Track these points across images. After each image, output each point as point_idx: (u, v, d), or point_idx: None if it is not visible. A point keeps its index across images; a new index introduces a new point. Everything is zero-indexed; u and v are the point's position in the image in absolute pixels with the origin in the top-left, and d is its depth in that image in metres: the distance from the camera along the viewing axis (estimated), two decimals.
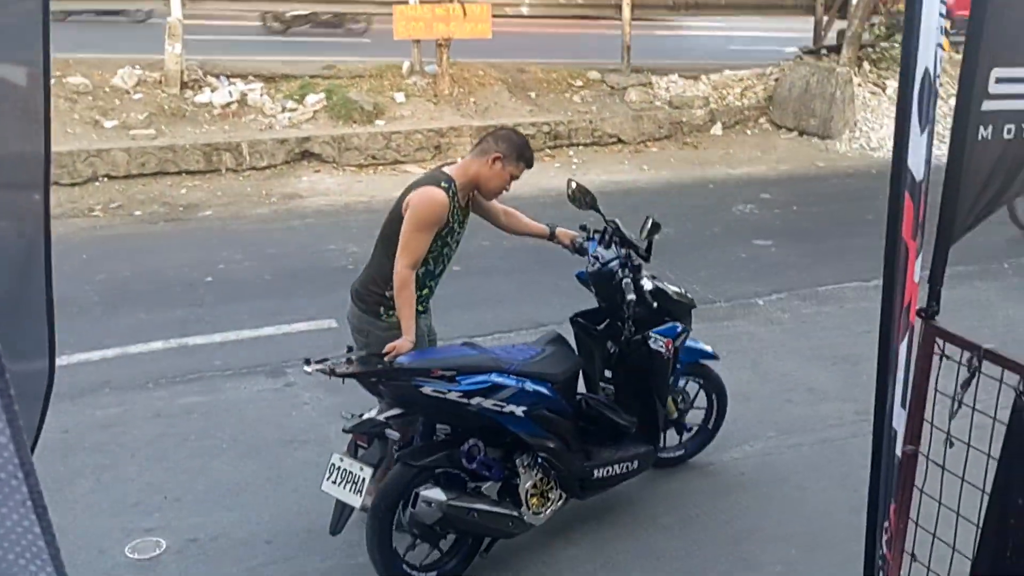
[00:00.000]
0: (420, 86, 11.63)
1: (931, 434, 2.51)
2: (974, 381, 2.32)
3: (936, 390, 2.49)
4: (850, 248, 7.51)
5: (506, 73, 12.35)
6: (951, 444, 2.39)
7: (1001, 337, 5.77)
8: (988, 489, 2.34)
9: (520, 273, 6.76)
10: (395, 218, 3.54)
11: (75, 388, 5.01)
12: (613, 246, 3.95)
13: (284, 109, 10.85)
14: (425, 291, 3.64)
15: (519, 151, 3.61)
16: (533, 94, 12.09)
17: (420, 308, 3.63)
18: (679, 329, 3.94)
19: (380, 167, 10.44)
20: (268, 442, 4.59)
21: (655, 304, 3.83)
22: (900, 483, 2.53)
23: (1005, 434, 2.25)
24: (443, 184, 3.49)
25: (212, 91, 10.89)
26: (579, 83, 12.55)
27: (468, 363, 3.43)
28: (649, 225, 3.96)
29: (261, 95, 10.99)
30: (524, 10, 14.23)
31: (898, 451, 2.34)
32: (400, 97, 11.36)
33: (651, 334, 3.84)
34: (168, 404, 4.96)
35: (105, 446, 4.53)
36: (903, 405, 2.31)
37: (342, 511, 3.36)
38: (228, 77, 11.30)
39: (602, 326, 3.92)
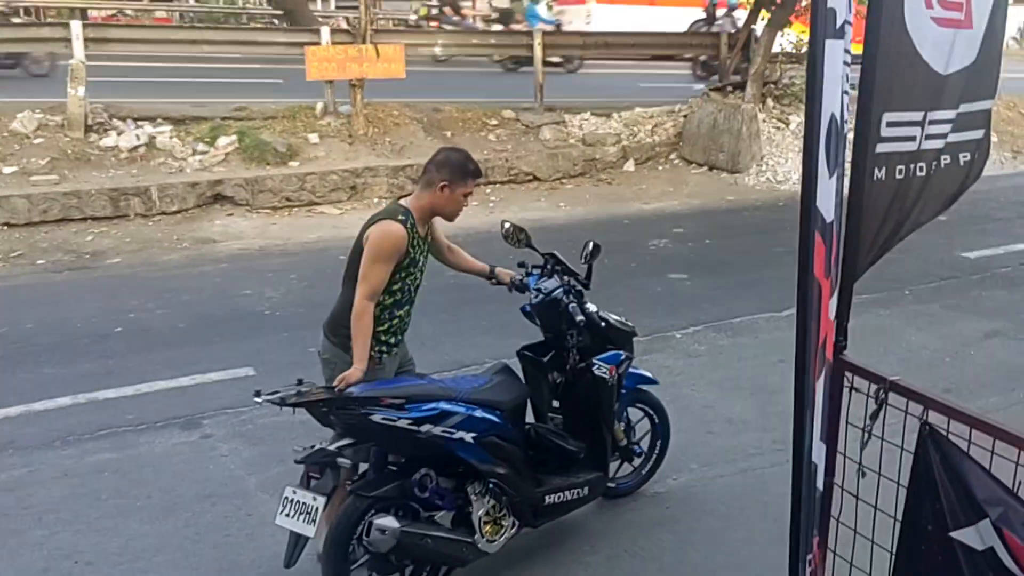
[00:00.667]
0: (335, 127, 11.60)
1: (844, 465, 2.58)
2: (882, 412, 2.40)
3: (848, 422, 2.56)
4: (762, 279, 7.71)
5: (421, 113, 12.41)
6: (863, 474, 2.47)
7: (905, 363, 5.99)
8: (900, 517, 2.41)
9: (442, 313, 6.75)
10: (356, 255, 3.55)
11: None
12: (555, 276, 4.04)
13: (195, 152, 10.69)
14: (395, 321, 3.65)
15: (462, 170, 3.63)
16: (449, 133, 12.16)
17: (393, 340, 3.67)
18: (622, 356, 4.05)
19: (295, 209, 10.34)
20: (185, 498, 4.46)
21: (603, 324, 3.96)
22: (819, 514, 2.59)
23: (912, 463, 2.33)
24: (400, 217, 3.52)
25: (118, 134, 10.67)
26: (494, 122, 12.68)
27: (417, 392, 3.46)
28: (591, 248, 4.07)
29: (170, 138, 10.81)
30: (437, 51, 14.37)
31: (819, 484, 2.40)
32: (314, 138, 11.31)
33: (595, 361, 3.93)
34: (78, 462, 4.78)
35: (10, 510, 4.33)
36: (822, 439, 2.38)
37: (296, 543, 3.39)
38: (135, 120, 11.08)
39: (548, 357, 3.98)
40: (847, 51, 2.21)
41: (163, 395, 5.58)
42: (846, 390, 2.53)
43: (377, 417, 3.32)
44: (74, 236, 9.09)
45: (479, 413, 3.54)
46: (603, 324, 3.99)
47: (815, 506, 2.40)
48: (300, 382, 3.41)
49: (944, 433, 2.29)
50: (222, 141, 10.83)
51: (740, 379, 5.84)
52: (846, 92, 2.25)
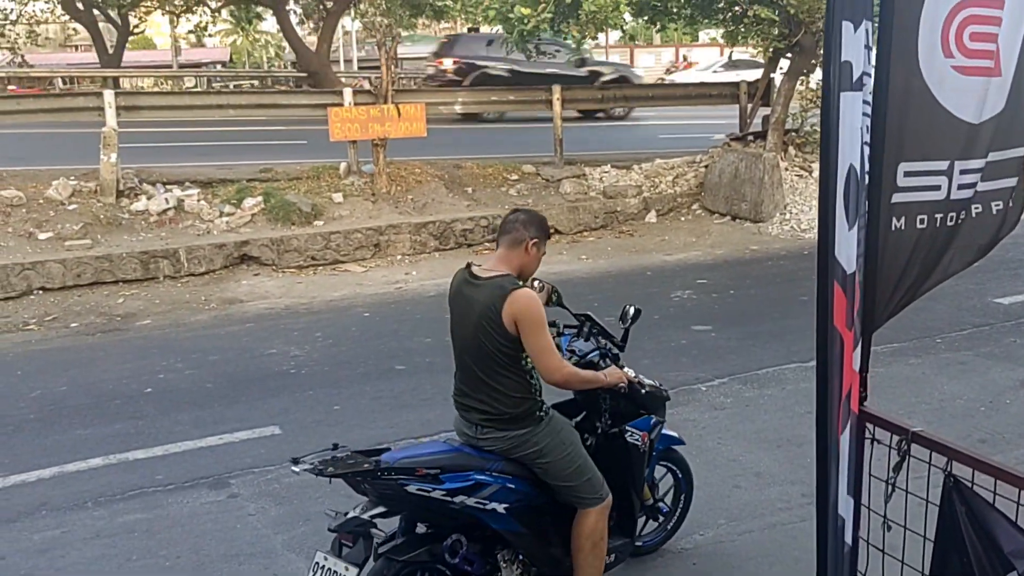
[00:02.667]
0: (358, 186, 11.77)
1: (869, 519, 2.57)
2: (905, 464, 2.39)
3: (871, 474, 2.55)
4: (787, 329, 7.68)
5: (442, 170, 12.57)
6: (889, 528, 2.45)
7: (938, 413, 5.92)
8: (927, 571, 2.39)
9: None
10: (471, 327, 3.46)
11: (10, 511, 4.85)
12: (591, 338, 4.02)
13: (222, 214, 10.88)
14: (538, 381, 3.55)
15: (545, 228, 3.61)
16: (470, 189, 12.29)
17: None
18: (653, 421, 4.00)
19: (320, 267, 10.47)
20: (213, 558, 4.48)
21: (644, 391, 3.89)
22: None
23: (938, 516, 2.32)
24: (520, 284, 3.45)
25: (148, 199, 10.89)
26: (514, 177, 12.81)
27: (451, 462, 3.46)
28: (632, 312, 4.05)
29: (198, 200, 11.01)
30: (457, 108, 14.60)
31: (848, 539, 2.39)
32: (338, 197, 11.48)
33: (627, 428, 3.88)
34: (109, 523, 4.82)
35: (42, 571, 4.36)
36: (849, 492, 2.36)
37: None
38: (164, 184, 11.32)
39: (577, 419, 3.95)
40: (866, 102, 2.23)
41: (191, 455, 5.62)
42: (867, 441, 2.52)
43: (412, 488, 3.32)
44: (106, 299, 9.24)
45: (511, 484, 3.52)
46: (643, 391, 3.90)
47: (844, 562, 2.38)
48: (336, 447, 3.38)
49: (969, 484, 2.28)
50: (248, 202, 11.02)
51: (767, 431, 5.80)
52: (866, 143, 2.26)
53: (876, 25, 2.31)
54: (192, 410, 6.32)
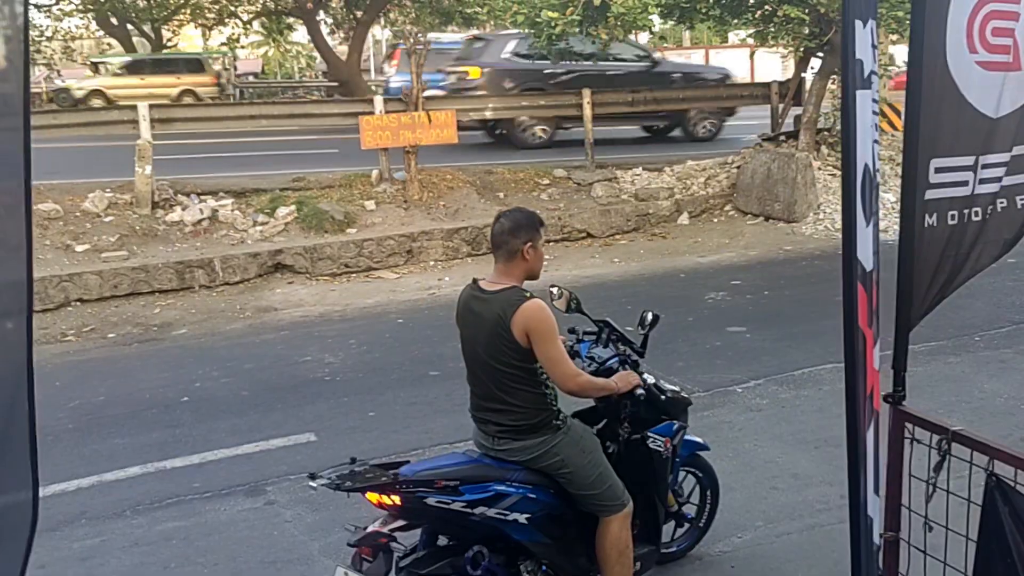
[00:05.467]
0: (390, 193, 11.82)
1: (910, 519, 2.52)
2: (945, 463, 2.35)
3: (911, 474, 2.51)
4: (823, 330, 7.58)
5: (474, 176, 12.59)
6: (930, 528, 2.41)
7: (978, 412, 5.82)
8: (970, 572, 2.34)
9: None
10: (484, 338, 3.44)
11: (51, 520, 4.91)
12: (611, 344, 3.99)
13: (255, 223, 10.97)
14: (553, 390, 3.53)
15: (533, 224, 3.51)
16: (502, 194, 12.30)
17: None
18: (675, 427, 3.94)
19: (353, 275, 10.52)
20: (251, 564, 4.51)
21: (663, 396, 3.85)
22: (885, 570, 2.53)
23: (980, 516, 2.27)
24: (527, 294, 3.41)
25: (183, 209, 11.02)
26: (546, 181, 12.80)
27: (471, 473, 3.43)
28: (649, 318, 4.01)
29: (232, 210, 11.12)
30: (488, 114, 14.61)
31: (876, 538, 2.35)
32: (370, 205, 11.54)
33: (649, 434, 3.83)
34: (147, 531, 4.87)
35: None
36: (876, 492, 2.33)
37: None
38: (199, 195, 11.44)
39: (599, 426, 3.89)
40: (875, 100, 2.22)
41: (228, 463, 5.67)
42: (907, 441, 2.48)
43: (432, 500, 3.30)
44: (142, 309, 9.35)
45: (532, 494, 3.48)
46: (663, 397, 3.85)
47: (874, 560, 2.34)
48: (353, 460, 3.37)
49: (1012, 484, 2.23)
50: (281, 211, 11.11)
51: (804, 432, 5.74)
52: (876, 141, 2.25)
53: (886, 22, 2.30)
54: (228, 418, 6.37)
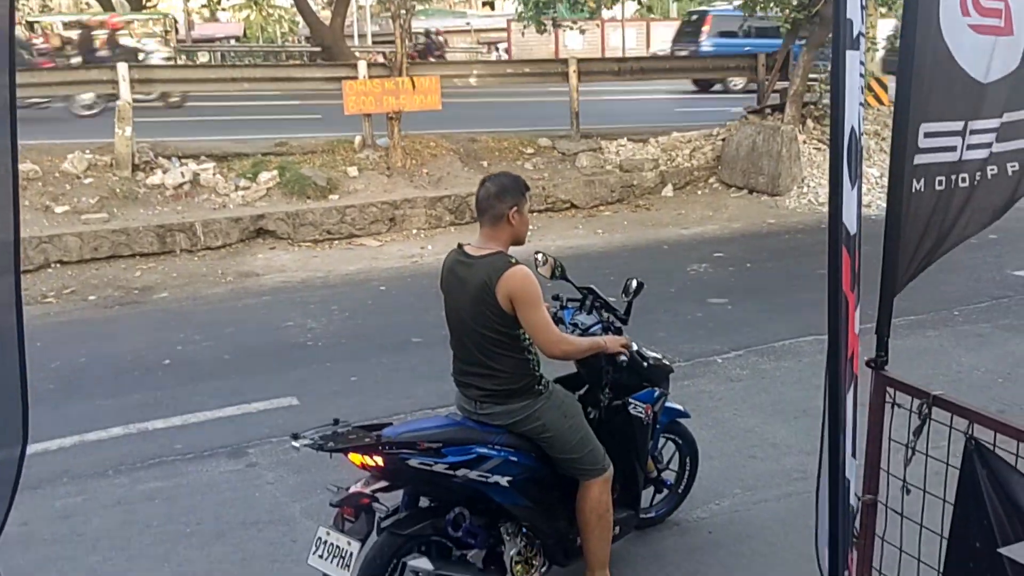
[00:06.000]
0: (373, 159, 11.75)
1: (888, 482, 2.56)
2: (925, 428, 2.38)
3: (891, 439, 2.54)
4: (804, 302, 7.64)
5: (458, 143, 12.54)
6: (908, 491, 2.45)
7: (955, 384, 5.89)
8: (947, 534, 2.39)
9: None
10: (470, 305, 3.44)
11: (34, 478, 4.89)
12: (594, 311, 4.01)
13: (237, 188, 10.89)
14: (536, 356, 3.54)
15: (518, 188, 3.50)
16: (485, 163, 12.26)
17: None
18: (656, 394, 3.98)
19: (336, 241, 10.48)
20: (233, 525, 4.52)
21: (645, 363, 3.88)
22: (861, 532, 2.57)
23: (958, 479, 2.31)
24: (512, 260, 3.42)
25: (164, 172, 10.91)
26: (530, 150, 12.77)
27: (454, 436, 3.44)
28: (634, 286, 4.02)
29: (214, 174, 11.03)
30: (472, 80, 14.53)
31: (853, 500, 2.39)
32: (353, 171, 11.47)
33: (630, 400, 3.86)
34: (129, 491, 4.87)
35: (66, 537, 4.42)
36: (854, 455, 2.36)
37: None
38: (180, 158, 11.34)
39: (580, 392, 3.93)
40: (862, 63, 2.22)
41: (210, 425, 5.67)
42: (888, 406, 2.51)
43: (414, 462, 3.31)
44: (123, 272, 9.29)
45: (514, 457, 3.50)
46: (645, 364, 3.90)
47: (850, 522, 2.38)
48: (336, 422, 3.38)
49: (991, 447, 2.27)
50: (263, 176, 11.03)
51: (783, 403, 5.79)
52: (862, 104, 2.25)
53: None
54: (210, 381, 6.36)
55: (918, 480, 2.45)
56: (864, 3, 2.21)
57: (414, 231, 10.81)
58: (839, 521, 2.36)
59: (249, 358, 6.80)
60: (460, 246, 3.57)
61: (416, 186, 11.43)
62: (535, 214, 11.41)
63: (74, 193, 10.31)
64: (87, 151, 11.04)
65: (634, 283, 4.03)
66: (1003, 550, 2.21)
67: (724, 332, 7.13)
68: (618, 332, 3.93)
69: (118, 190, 10.49)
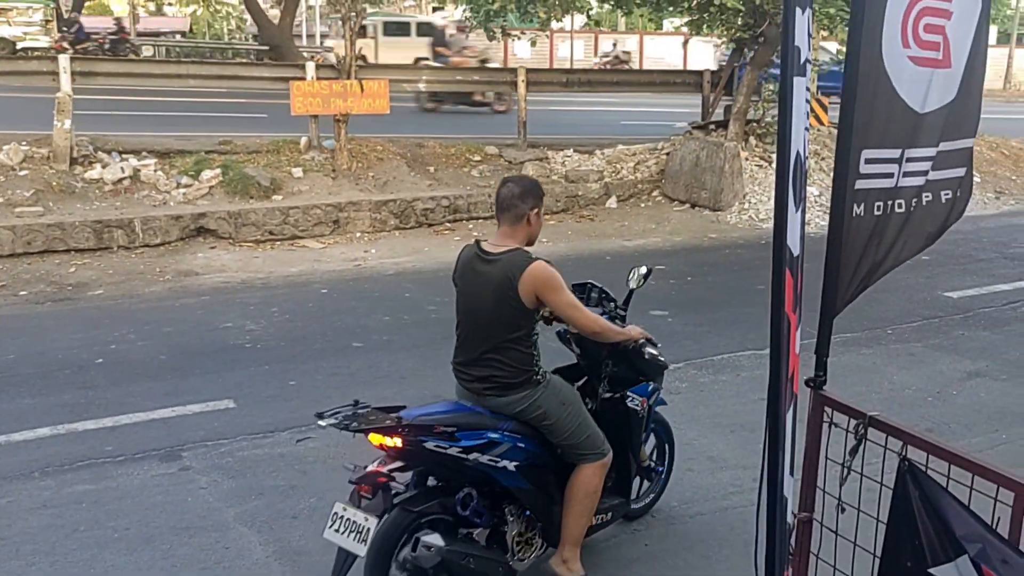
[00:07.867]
0: (318, 161, 11.64)
1: (823, 500, 2.60)
2: (861, 448, 2.43)
3: (827, 458, 2.58)
4: (743, 317, 7.75)
5: (404, 148, 12.48)
6: (843, 510, 2.49)
7: (887, 402, 6.02)
8: (880, 553, 2.43)
9: (422, 348, 6.75)
10: (502, 307, 3.56)
11: None
12: (600, 303, 4.17)
13: (179, 185, 10.70)
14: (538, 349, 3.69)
15: (540, 193, 3.71)
16: (432, 168, 12.22)
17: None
18: (651, 388, 4.17)
19: (278, 243, 10.34)
20: (163, 530, 4.42)
21: (647, 357, 4.02)
22: (796, 549, 2.60)
23: (891, 499, 2.35)
24: (532, 256, 3.58)
25: (103, 167, 10.67)
26: (477, 158, 12.77)
27: (467, 420, 3.60)
28: (643, 271, 4.24)
29: (155, 171, 10.82)
30: (421, 86, 14.50)
31: (789, 518, 2.42)
32: (298, 172, 11.35)
33: (628, 393, 4.04)
34: (56, 494, 4.73)
35: None
36: (791, 473, 2.40)
37: (345, 559, 3.43)
38: (120, 153, 11.09)
39: (579, 384, 4.06)
40: (808, 89, 2.28)
41: (143, 427, 5.54)
42: (825, 425, 2.55)
43: (430, 444, 3.45)
44: (57, 268, 9.05)
45: (521, 443, 3.66)
46: (646, 358, 4.04)
47: (786, 539, 2.41)
48: (356, 403, 3.47)
49: (923, 468, 2.31)
50: (206, 174, 10.85)
51: (721, 416, 5.86)
52: (807, 129, 2.31)
53: (818, 17, 2.36)
54: (144, 382, 6.22)
55: (853, 499, 2.49)
56: (811, 30, 2.26)
57: (358, 234, 10.72)
58: (776, 538, 2.39)
59: (186, 359, 6.67)
60: (477, 242, 3.74)
61: (361, 189, 11.35)
62: (479, 222, 11.42)
63: (8, 185, 10.02)
64: (23, 143, 10.75)
65: (644, 269, 4.23)
66: (933, 570, 2.25)
67: (664, 344, 7.02)
68: (622, 321, 4.12)
69: (55, 183, 10.22)
